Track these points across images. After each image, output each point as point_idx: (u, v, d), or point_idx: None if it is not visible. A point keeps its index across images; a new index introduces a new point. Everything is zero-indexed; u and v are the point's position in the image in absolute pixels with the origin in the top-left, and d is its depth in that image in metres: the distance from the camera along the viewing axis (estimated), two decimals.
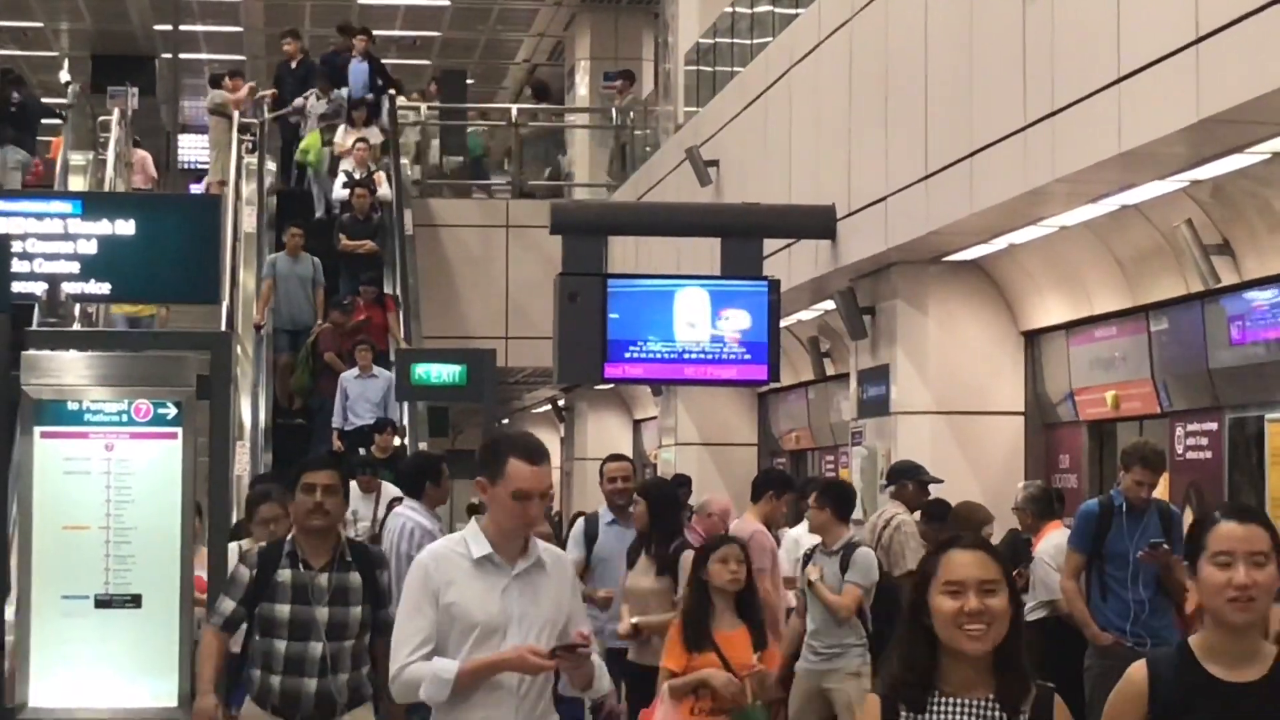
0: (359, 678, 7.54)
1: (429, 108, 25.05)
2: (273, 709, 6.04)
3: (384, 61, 23.91)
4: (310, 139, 19.26)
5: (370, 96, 21.91)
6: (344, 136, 20.39)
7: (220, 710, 7.30)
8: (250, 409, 16.99)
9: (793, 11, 16.69)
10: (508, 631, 4.83)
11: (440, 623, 4.83)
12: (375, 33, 26.16)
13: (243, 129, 22.16)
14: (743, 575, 8.21)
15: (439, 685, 4.71)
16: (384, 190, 20.00)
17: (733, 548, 8.21)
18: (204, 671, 6.60)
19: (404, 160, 22.29)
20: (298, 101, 20.83)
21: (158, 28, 26.17)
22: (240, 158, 21.72)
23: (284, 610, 6.50)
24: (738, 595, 8.18)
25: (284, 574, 6.66)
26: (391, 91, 22.72)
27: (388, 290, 19.19)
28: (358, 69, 21.87)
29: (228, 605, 6.76)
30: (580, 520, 11.74)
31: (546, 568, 5.08)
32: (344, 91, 21.99)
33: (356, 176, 19.72)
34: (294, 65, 22.47)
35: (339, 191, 19.84)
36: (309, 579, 6.92)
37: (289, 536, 6.64)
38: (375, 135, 20.58)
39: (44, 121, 22.79)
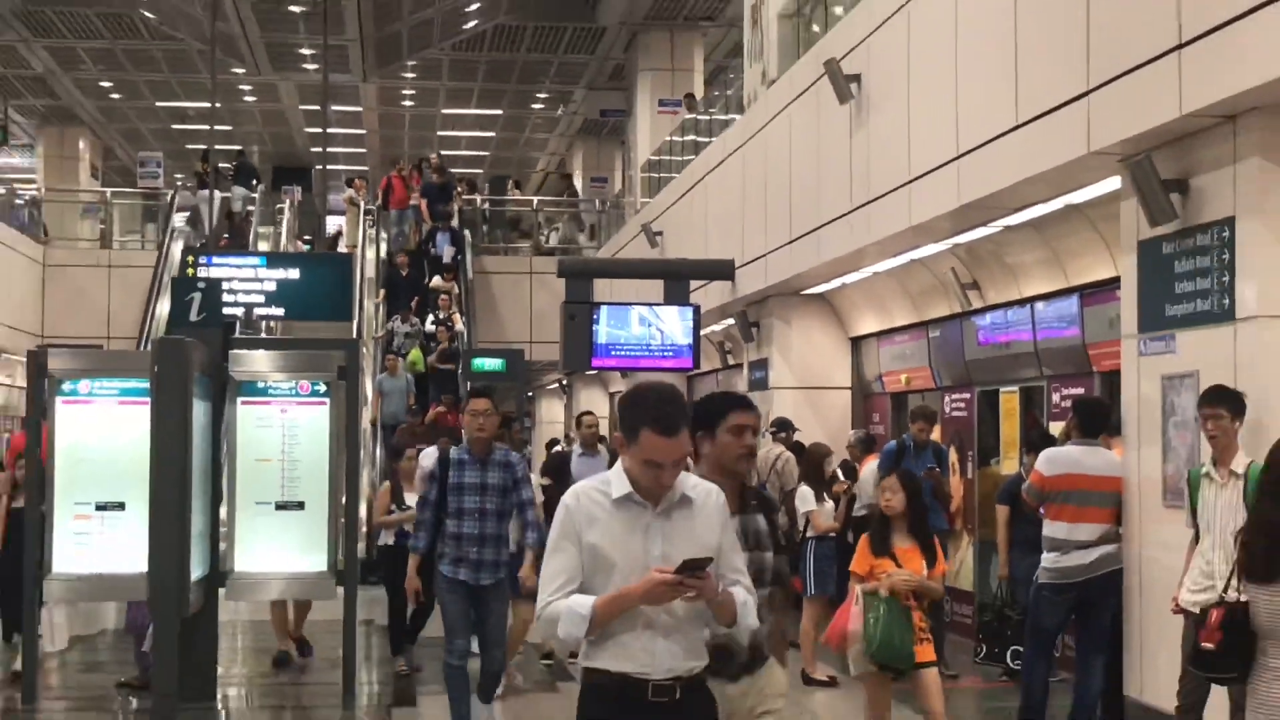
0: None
1: (482, 199, 33.21)
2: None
3: (453, 170, 32.32)
4: (414, 354, 24.97)
5: (453, 256, 28.55)
6: (436, 281, 26.77)
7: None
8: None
9: (706, 140, 22.55)
10: (648, 571, 4.31)
11: (585, 563, 4.43)
12: (448, 152, 38.82)
13: (366, 212, 29.69)
14: (897, 503, 8.47)
15: (576, 621, 4.30)
16: (459, 326, 25.86)
17: (892, 479, 8.53)
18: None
19: (466, 231, 29.58)
20: (391, 325, 26.48)
21: (313, 149, 35.14)
22: (364, 231, 29.05)
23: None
24: (910, 518, 8.41)
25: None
26: (459, 189, 30.79)
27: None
28: (441, 239, 28.07)
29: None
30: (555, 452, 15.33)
31: (694, 504, 4.51)
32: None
33: (441, 316, 25.67)
34: (424, 179, 30.70)
35: (429, 327, 25.67)
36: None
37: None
38: (454, 288, 26.45)
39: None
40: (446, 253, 27.25)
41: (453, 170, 29.17)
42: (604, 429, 19.21)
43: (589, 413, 17.25)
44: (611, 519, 4.41)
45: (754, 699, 5.12)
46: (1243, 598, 5.97)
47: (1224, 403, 8.07)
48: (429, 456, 11.64)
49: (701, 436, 5.13)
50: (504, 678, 10.08)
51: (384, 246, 27.53)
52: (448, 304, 25.97)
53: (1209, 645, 6.11)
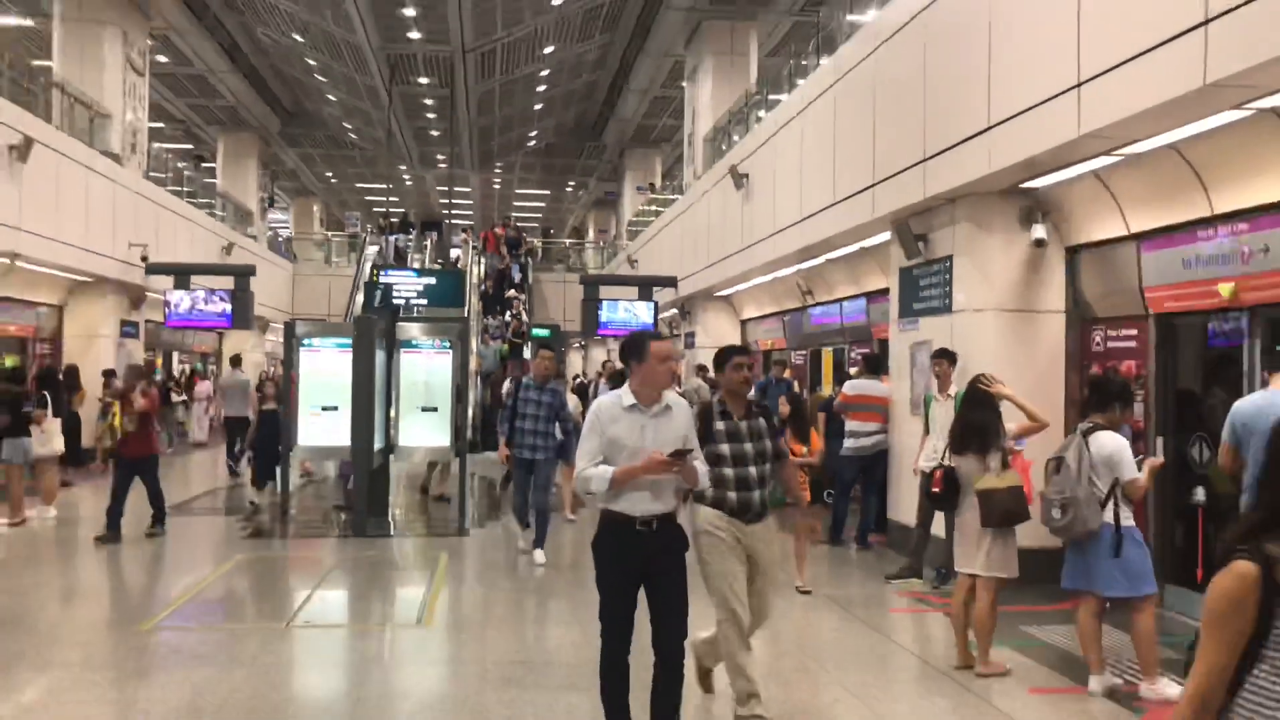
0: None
1: (539, 242, 36.95)
2: (730, 511, 5.25)
3: (521, 227, 36.08)
4: (503, 348, 25.32)
5: (521, 279, 30.66)
6: (511, 292, 29.45)
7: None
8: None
9: (662, 209, 24.21)
10: (645, 451, 4.54)
11: (606, 446, 4.56)
12: (517, 214, 43.25)
13: (472, 248, 32.47)
14: (785, 412, 8.55)
15: (602, 481, 4.45)
16: (525, 319, 27.53)
17: (783, 399, 9.06)
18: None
19: (530, 259, 32.93)
20: (486, 320, 27.95)
21: (444, 212, 37.72)
22: (470, 258, 31.50)
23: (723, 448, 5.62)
24: (793, 421, 8.60)
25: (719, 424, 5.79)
26: (525, 239, 33.97)
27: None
28: (514, 268, 30.60)
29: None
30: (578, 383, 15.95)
31: (672, 411, 4.73)
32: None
33: (514, 313, 27.60)
34: (506, 234, 32.80)
35: (508, 318, 28.05)
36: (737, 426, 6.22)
37: (717, 397, 5.66)
38: (523, 297, 29.42)
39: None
40: (516, 276, 31.39)
41: (520, 227, 36.44)
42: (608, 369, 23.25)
43: (608, 361, 17.01)
44: (624, 418, 4.61)
45: (764, 536, 5.34)
46: (951, 463, 6.39)
47: (944, 357, 8.90)
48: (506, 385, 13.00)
49: (717, 373, 5.57)
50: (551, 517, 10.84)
51: (481, 269, 31.53)
52: (518, 306, 28.97)
53: (936, 490, 6.64)
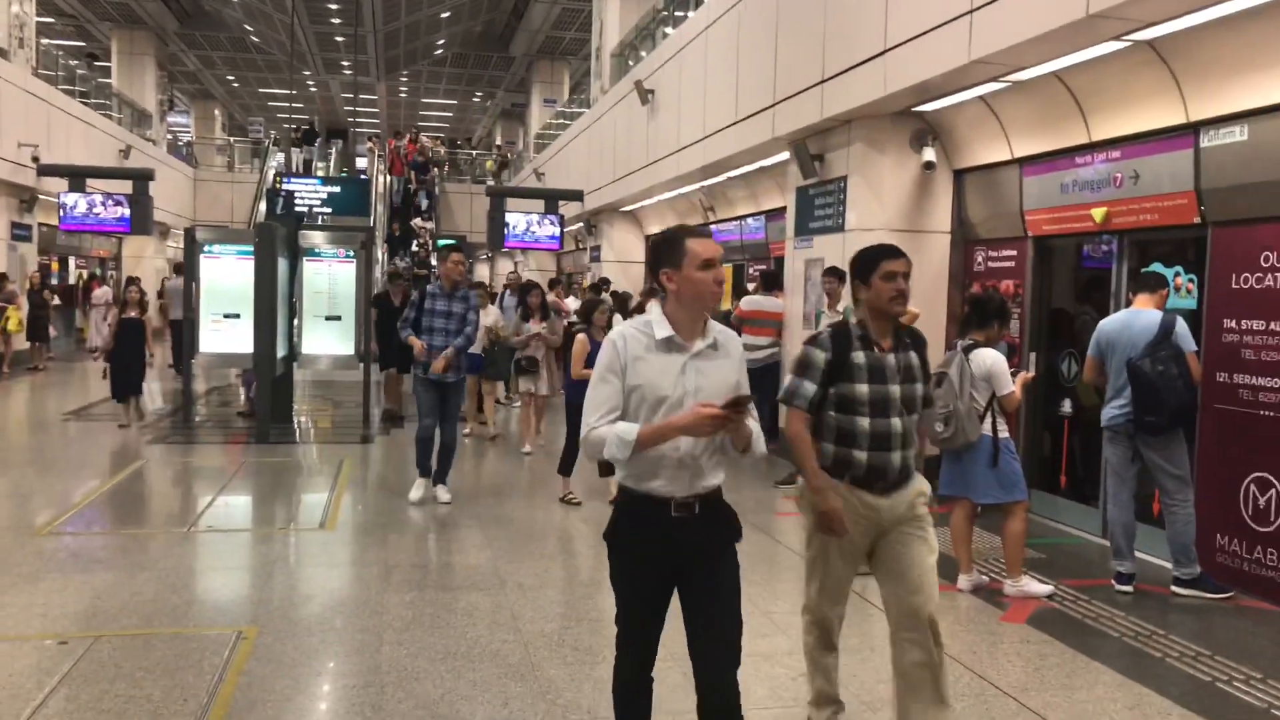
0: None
1: (445, 150, 35.66)
2: (855, 480, 3.81)
3: (424, 135, 34.27)
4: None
5: (429, 206, 29.63)
6: (417, 221, 28.36)
7: None
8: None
9: (569, 123, 23.31)
10: (684, 404, 3.14)
11: (628, 395, 3.16)
12: (423, 124, 41.80)
13: (379, 156, 31.10)
14: None
15: (621, 445, 3.06)
16: (431, 247, 27.57)
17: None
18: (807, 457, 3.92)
19: (435, 170, 32.00)
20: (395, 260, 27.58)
21: (349, 120, 40.16)
22: (375, 167, 30.09)
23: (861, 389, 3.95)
24: None
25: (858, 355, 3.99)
26: (433, 165, 31.56)
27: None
28: (421, 196, 29.09)
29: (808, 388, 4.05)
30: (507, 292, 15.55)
31: (719, 347, 3.30)
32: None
33: (421, 241, 27.44)
34: (414, 159, 30.45)
35: (414, 248, 27.94)
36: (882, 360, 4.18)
37: (856, 320, 4.03)
38: (430, 226, 28.77)
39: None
40: (424, 203, 30.15)
41: (428, 151, 32.30)
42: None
43: (513, 272, 18.96)
44: (654, 357, 3.18)
45: (904, 509, 3.81)
46: None
47: (834, 274, 8.87)
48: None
49: (857, 284, 3.85)
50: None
51: (387, 179, 30.09)
52: (425, 236, 28.42)
53: None
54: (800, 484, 3.99)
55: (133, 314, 11.81)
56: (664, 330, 3.24)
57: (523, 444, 10.87)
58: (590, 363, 7.55)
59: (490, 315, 11.31)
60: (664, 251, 3.31)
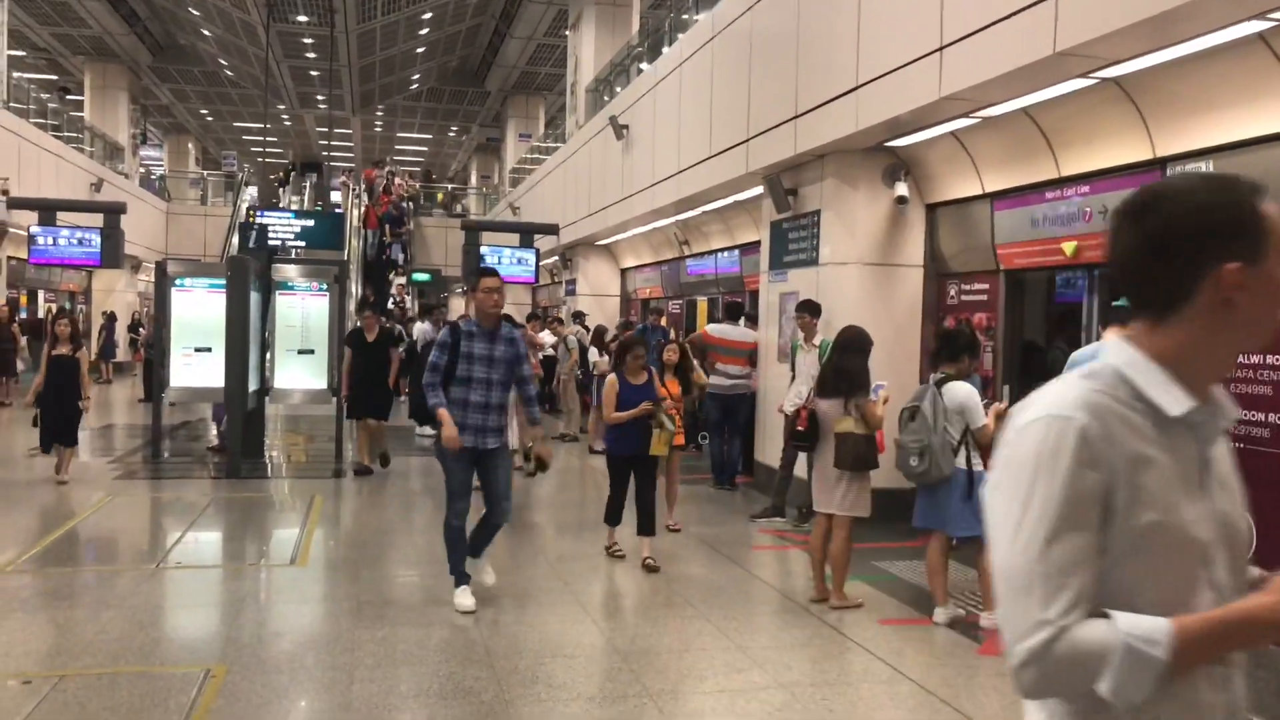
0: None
1: (420, 185, 35.18)
2: None
3: (401, 169, 35.24)
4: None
5: (404, 260, 28.64)
6: (394, 278, 29.78)
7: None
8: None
9: (544, 158, 23.81)
10: (1212, 552, 1.41)
11: (1119, 549, 1.37)
12: (399, 158, 43.08)
13: (351, 191, 30.95)
14: (674, 357, 8.31)
15: (1142, 668, 1.27)
16: (408, 304, 31.20)
17: (672, 345, 8.56)
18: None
19: (409, 203, 30.69)
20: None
21: (324, 154, 40.86)
22: (350, 202, 29.31)
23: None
24: (676, 365, 8.41)
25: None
26: (408, 217, 29.83)
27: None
28: (395, 248, 27.46)
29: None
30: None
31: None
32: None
33: (397, 299, 29.37)
34: (386, 212, 28.78)
35: (390, 305, 28.46)
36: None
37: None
38: (405, 282, 31.43)
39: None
40: (399, 257, 28.88)
41: (403, 204, 30.81)
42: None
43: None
44: (1169, 460, 1.41)
45: None
46: (816, 406, 6.47)
47: (808, 309, 9.06)
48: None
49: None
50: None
51: (361, 210, 29.02)
52: (400, 294, 30.79)
53: (801, 428, 6.73)
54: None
55: (64, 350, 10.18)
56: (1176, 398, 1.46)
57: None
58: (622, 405, 7.25)
59: (591, 354, 11.75)
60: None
